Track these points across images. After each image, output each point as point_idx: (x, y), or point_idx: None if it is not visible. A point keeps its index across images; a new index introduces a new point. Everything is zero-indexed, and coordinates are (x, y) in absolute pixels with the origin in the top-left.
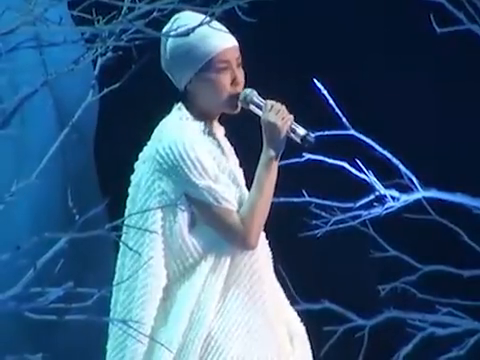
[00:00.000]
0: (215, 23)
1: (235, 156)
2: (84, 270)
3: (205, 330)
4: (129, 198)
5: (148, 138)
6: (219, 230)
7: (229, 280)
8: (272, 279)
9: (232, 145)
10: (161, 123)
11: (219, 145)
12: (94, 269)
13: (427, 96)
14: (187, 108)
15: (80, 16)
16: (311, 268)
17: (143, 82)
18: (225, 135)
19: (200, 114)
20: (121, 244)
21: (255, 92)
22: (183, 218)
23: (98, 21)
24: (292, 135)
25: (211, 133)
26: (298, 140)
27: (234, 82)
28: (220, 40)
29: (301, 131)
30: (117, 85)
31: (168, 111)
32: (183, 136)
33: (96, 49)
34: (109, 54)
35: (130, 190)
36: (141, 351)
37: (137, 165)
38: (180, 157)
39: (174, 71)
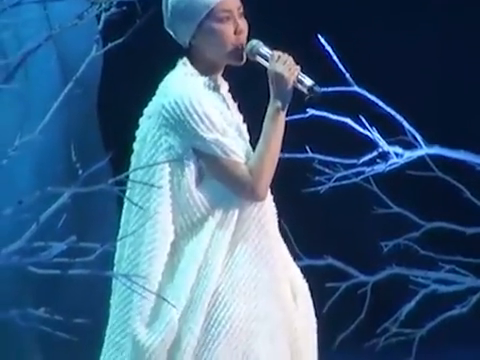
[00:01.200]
0: None
1: (239, 111)
2: (87, 225)
3: (212, 285)
4: (134, 153)
5: (152, 93)
6: (227, 182)
7: (237, 235)
8: (278, 234)
9: (236, 101)
10: (166, 78)
11: (224, 100)
12: (97, 224)
13: (431, 53)
14: (192, 64)
15: None
16: (314, 224)
17: (147, 37)
18: (229, 91)
19: (205, 69)
20: (125, 200)
21: (261, 43)
22: (190, 172)
23: None
24: (299, 86)
25: (216, 88)
26: (305, 90)
27: (237, 31)
28: None
29: (308, 82)
30: (121, 40)
31: (172, 66)
32: (189, 91)
33: (100, 4)
34: (113, 9)
35: (135, 145)
36: (148, 307)
37: (142, 120)
38: (187, 111)
39: (177, 27)
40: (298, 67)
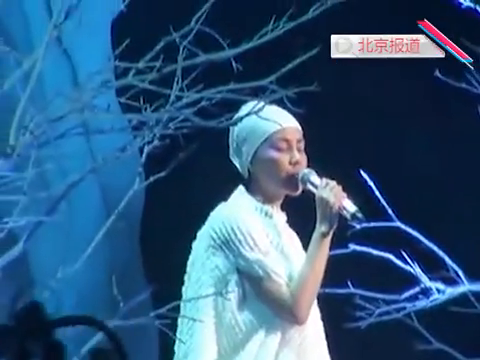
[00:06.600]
0: (277, 108)
1: (295, 241)
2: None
3: None
4: (186, 275)
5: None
6: (269, 304)
7: (278, 357)
8: (323, 357)
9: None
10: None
11: (275, 227)
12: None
13: (475, 189)
14: (249, 191)
15: (128, 103)
16: (355, 359)
17: (189, 170)
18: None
19: (261, 199)
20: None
21: (313, 172)
22: (234, 293)
23: (145, 109)
24: (343, 212)
25: (268, 215)
26: (348, 216)
27: (292, 162)
28: (280, 119)
29: (351, 208)
30: (163, 173)
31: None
32: (236, 211)
33: (143, 137)
34: (156, 142)
35: (187, 268)
36: None
37: (194, 244)
38: (232, 231)
39: (238, 154)
40: (344, 194)
